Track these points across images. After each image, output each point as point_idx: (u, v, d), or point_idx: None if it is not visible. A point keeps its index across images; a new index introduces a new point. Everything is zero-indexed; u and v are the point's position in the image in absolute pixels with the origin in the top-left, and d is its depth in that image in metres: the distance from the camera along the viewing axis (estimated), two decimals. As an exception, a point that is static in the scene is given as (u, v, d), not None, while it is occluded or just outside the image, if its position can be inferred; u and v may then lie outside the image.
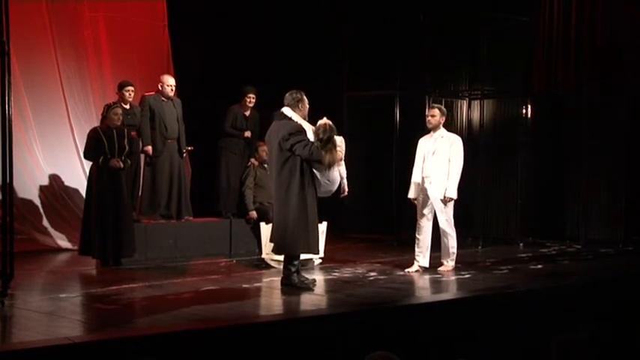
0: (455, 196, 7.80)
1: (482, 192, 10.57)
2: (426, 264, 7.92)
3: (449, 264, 7.96)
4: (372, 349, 3.60)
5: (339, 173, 7.02)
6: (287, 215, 6.77)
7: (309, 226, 6.79)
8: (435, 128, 7.91)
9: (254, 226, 9.13)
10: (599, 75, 10.18)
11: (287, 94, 6.99)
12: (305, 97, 6.97)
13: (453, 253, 7.96)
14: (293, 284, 6.86)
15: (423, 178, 7.88)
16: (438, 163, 7.81)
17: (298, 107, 6.92)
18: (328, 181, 6.92)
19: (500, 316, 6.30)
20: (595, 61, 10.19)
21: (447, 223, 7.85)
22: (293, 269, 6.90)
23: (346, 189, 7.26)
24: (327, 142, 6.78)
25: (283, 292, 6.84)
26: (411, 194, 8.01)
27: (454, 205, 7.94)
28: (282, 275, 7.03)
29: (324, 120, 6.92)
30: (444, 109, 8.04)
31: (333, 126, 6.90)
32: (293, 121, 6.83)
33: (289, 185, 6.74)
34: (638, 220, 10.06)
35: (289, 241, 6.80)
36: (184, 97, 9.46)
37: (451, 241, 7.92)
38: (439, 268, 7.90)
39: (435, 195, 7.80)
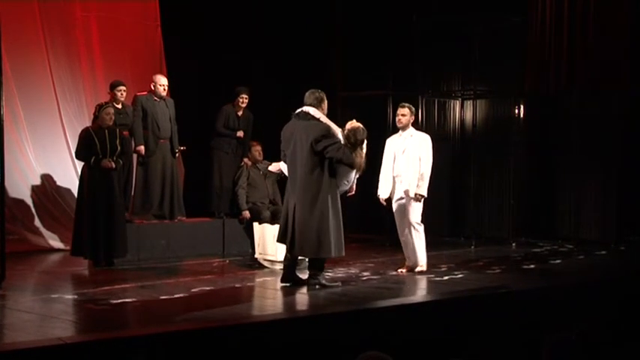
0: (425, 194, 7.68)
1: (475, 192, 10.58)
2: None
3: (421, 263, 7.79)
4: (364, 348, 3.59)
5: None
6: (319, 218, 6.69)
7: (340, 228, 6.83)
8: (405, 127, 7.81)
9: (247, 226, 9.12)
10: (590, 75, 10.22)
11: (308, 93, 6.94)
12: (325, 97, 6.95)
13: (423, 251, 7.79)
14: (321, 284, 6.87)
15: (393, 177, 7.79)
16: (409, 162, 7.70)
17: (321, 107, 6.91)
18: (347, 182, 6.98)
19: (493, 316, 6.31)
20: (587, 61, 10.23)
21: (416, 223, 7.71)
22: (320, 270, 6.91)
23: (354, 188, 7.27)
24: (358, 145, 6.79)
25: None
26: (382, 194, 7.82)
27: (424, 204, 7.78)
28: (307, 276, 6.99)
29: (357, 123, 6.90)
30: (414, 108, 7.96)
31: (364, 129, 6.91)
32: (322, 122, 6.82)
33: (320, 187, 6.71)
34: (629, 220, 10.09)
35: (323, 244, 6.72)
36: (177, 96, 9.44)
37: (419, 240, 7.74)
38: (416, 269, 7.76)
39: (406, 194, 7.69)
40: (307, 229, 6.71)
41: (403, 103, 7.94)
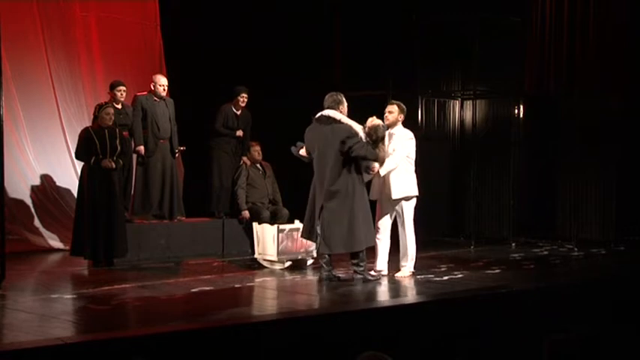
0: (379, 169, 7.24)
1: (475, 192, 10.57)
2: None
3: (406, 268, 7.59)
4: (364, 348, 3.59)
5: None
6: (349, 215, 7.03)
7: (369, 219, 7.23)
8: (393, 125, 7.49)
9: (247, 226, 9.11)
10: (590, 75, 10.21)
11: (327, 96, 7.22)
12: (344, 99, 7.25)
13: (413, 256, 7.60)
14: (364, 276, 7.21)
15: (381, 177, 7.45)
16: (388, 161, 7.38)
17: (339, 108, 7.19)
18: (370, 172, 7.30)
19: (493, 317, 6.31)
20: (586, 61, 10.22)
21: (407, 225, 7.51)
22: (363, 263, 7.24)
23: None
24: (380, 141, 7.08)
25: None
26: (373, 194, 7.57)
27: (417, 203, 7.60)
28: (354, 268, 7.28)
29: (377, 120, 7.15)
30: (404, 106, 7.64)
31: (385, 125, 7.23)
32: (343, 123, 7.11)
33: (347, 185, 7.06)
34: (629, 220, 10.09)
35: (354, 238, 7.08)
36: (177, 96, 9.44)
37: (410, 243, 7.55)
38: (396, 274, 7.57)
39: (394, 193, 7.44)
40: (338, 227, 7.05)
41: (392, 101, 7.77)
